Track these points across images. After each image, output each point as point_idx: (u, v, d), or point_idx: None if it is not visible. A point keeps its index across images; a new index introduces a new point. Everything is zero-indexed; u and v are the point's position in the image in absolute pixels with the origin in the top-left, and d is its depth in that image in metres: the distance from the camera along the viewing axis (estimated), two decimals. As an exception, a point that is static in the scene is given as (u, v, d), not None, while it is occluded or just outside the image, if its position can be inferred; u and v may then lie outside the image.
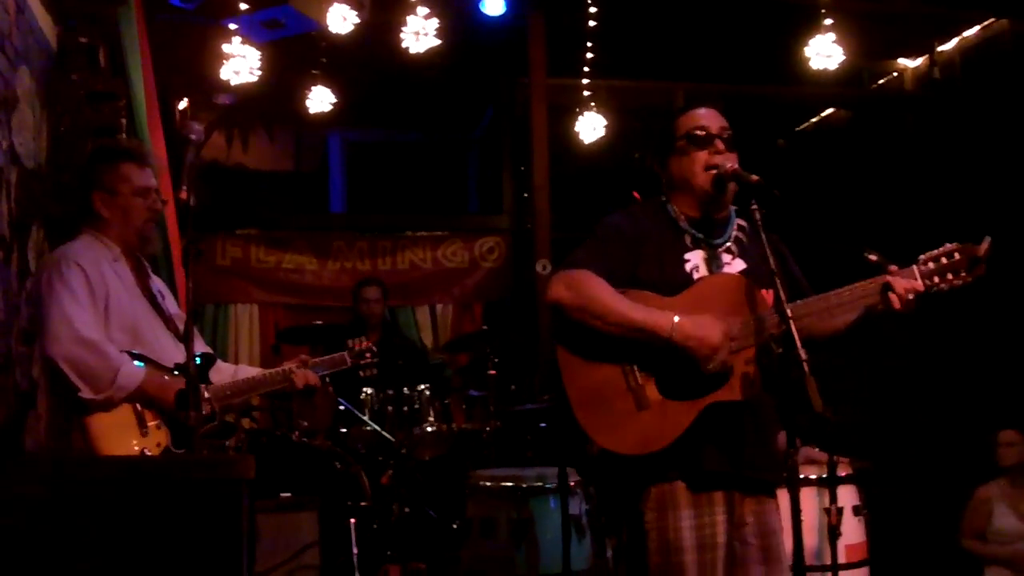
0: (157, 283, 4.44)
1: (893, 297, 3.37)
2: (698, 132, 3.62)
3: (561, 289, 3.53)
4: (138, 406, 4.00)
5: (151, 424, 4.01)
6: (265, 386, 4.51)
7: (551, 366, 3.62)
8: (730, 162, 3.56)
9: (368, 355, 5.15)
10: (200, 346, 4.33)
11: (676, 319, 3.36)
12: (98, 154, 4.46)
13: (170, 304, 4.42)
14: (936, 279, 3.40)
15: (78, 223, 4.32)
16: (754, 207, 3.43)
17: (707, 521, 3.44)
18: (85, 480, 2.64)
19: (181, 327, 4.24)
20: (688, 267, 3.58)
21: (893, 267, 3.44)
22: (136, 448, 3.95)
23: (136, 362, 4.04)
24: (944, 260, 3.41)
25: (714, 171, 3.57)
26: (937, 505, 7.11)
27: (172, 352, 4.13)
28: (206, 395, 4.12)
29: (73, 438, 3.97)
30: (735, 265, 3.62)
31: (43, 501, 2.54)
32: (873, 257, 3.46)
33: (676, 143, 3.66)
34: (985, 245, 3.36)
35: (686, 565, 3.40)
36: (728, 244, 3.66)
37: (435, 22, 7.36)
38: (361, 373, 5.25)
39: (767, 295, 3.49)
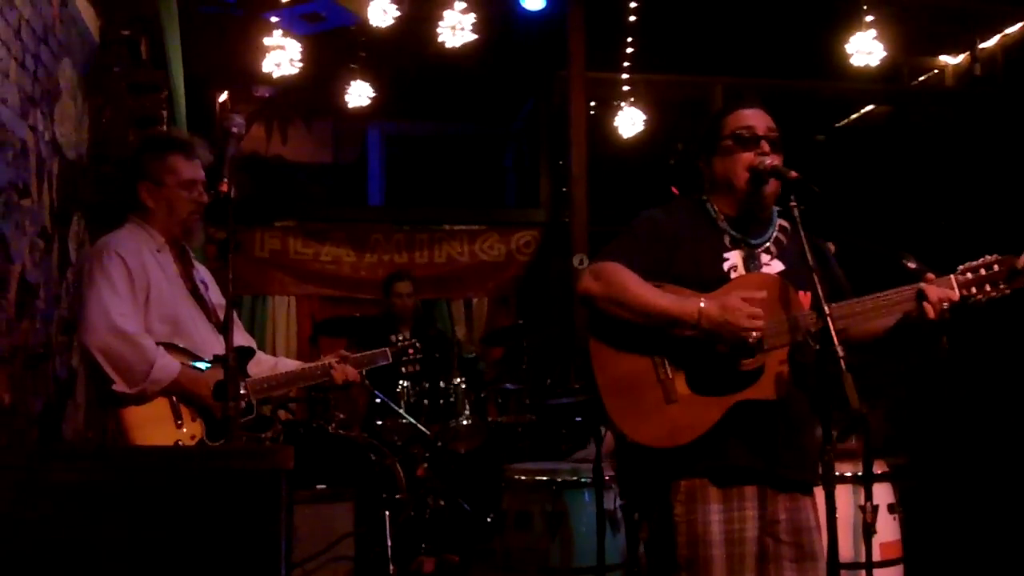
0: (201, 272, 4.43)
1: (927, 306, 3.35)
2: (744, 132, 3.58)
3: (590, 281, 3.54)
4: (174, 398, 3.99)
5: (186, 416, 4.01)
6: (303, 380, 4.50)
7: (584, 357, 3.61)
8: (768, 159, 3.54)
9: (411, 351, 5.16)
10: (242, 337, 4.34)
11: (702, 304, 3.36)
12: (146, 144, 4.46)
13: (214, 294, 4.40)
14: (973, 290, 3.38)
15: (124, 211, 4.32)
16: (793, 204, 3.41)
17: (736, 516, 3.43)
18: (124, 469, 2.65)
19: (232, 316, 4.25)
20: (726, 266, 3.55)
21: (930, 275, 3.41)
22: (171, 440, 3.95)
23: (198, 363, 4.05)
24: (983, 271, 3.38)
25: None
26: (973, 502, 7.06)
27: (213, 343, 4.11)
28: (242, 388, 4.11)
29: (108, 428, 3.99)
30: (773, 266, 3.59)
31: (82, 490, 2.55)
32: (912, 264, 3.45)
33: (722, 142, 3.62)
34: None
35: (714, 559, 3.40)
36: (767, 245, 3.63)
37: (471, 17, 7.37)
38: (403, 369, 5.26)
39: (804, 297, 3.48)
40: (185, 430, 4.00)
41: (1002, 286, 3.37)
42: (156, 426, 3.95)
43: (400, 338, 5.16)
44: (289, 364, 4.56)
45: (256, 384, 4.24)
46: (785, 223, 3.69)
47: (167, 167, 4.22)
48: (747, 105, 3.70)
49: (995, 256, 3.38)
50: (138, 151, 4.42)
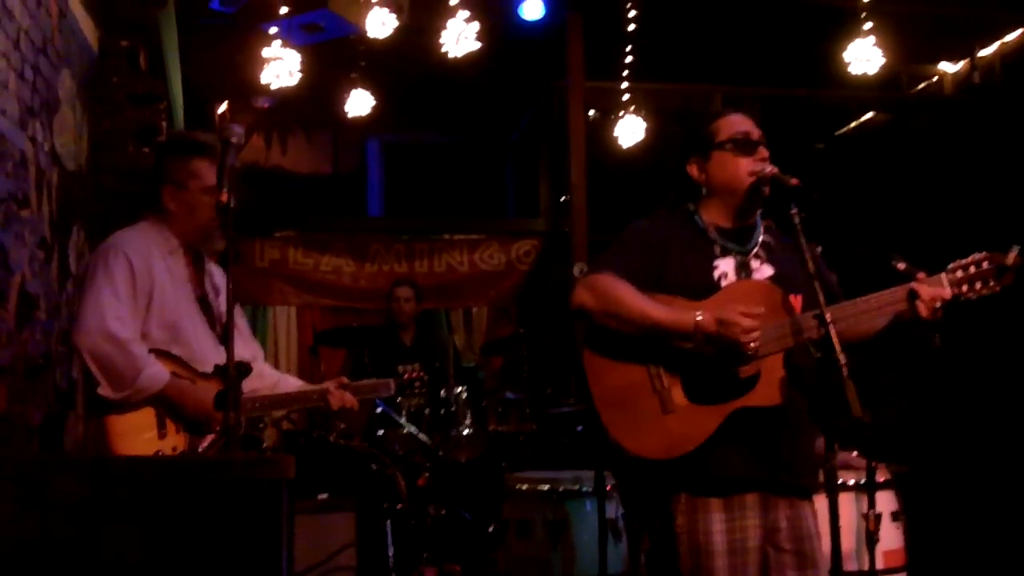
0: (216, 276, 4.36)
1: (920, 305, 3.37)
2: (743, 138, 3.61)
3: (584, 294, 3.55)
4: (160, 408, 3.95)
5: (170, 427, 3.96)
6: (298, 403, 4.45)
7: (580, 369, 3.63)
8: (768, 167, 3.55)
9: (417, 384, 5.15)
10: (245, 349, 4.30)
11: (699, 316, 3.36)
12: (171, 146, 4.39)
13: (223, 301, 4.27)
14: (964, 287, 3.40)
15: (140, 209, 4.26)
16: (794, 211, 3.42)
17: (738, 525, 3.44)
18: (125, 479, 2.64)
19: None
20: (716, 274, 3.57)
21: (921, 274, 3.43)
22: (151, 450, 3.89)
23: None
24: (972, 269, 3.40)
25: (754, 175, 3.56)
26: (976, 510, 7.06)
27: (212, 354, 4.03)
28: None
29: (91, 433, 3.96)
30: (763, 271, 3.61)
31: (84, 500, 2.55)
32: (901, 265, 3.46)
33: (722, 147, 3.63)
34: (1013, 254, 3.35)
35: (717, 569, 3.40)
36: (756, 250, 3.65)
37: (475, 26, 7.35)
38: (404, 377, 5.22)
39: (795, 300, 3.49)
40: (167, 441, 3.94)
41: (992, 283, 3.39)
42: (139, 435, 3.90)
43: (409, 369, 5.15)
44: (290, 383, 4.52)
45: (247, 403, 4.15)
46: (771, 225, 3.71)
47: (191, 171, 4.16)
48: (735, 111, 3.74)
49: (984, 254, 3.41)
50: (162, 153, 4.36)
